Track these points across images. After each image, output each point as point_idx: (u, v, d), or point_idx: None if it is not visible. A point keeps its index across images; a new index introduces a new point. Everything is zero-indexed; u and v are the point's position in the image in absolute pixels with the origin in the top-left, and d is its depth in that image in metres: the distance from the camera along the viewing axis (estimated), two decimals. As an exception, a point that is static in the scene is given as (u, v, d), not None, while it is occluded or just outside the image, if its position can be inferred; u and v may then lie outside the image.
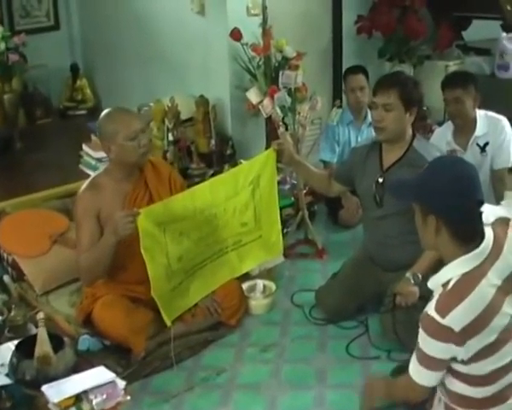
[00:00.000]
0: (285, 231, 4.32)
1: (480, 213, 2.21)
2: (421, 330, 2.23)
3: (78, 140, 4.89)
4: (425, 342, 2.23)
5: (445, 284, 2.20)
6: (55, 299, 3.75)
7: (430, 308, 2.19)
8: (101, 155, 4.42)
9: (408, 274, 3.17)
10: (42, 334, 3.03)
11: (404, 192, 2.36)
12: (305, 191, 4.44)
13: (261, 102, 4.18)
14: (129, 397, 2.79)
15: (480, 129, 4.05)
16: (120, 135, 3.21)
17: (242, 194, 3.49)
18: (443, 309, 2.16)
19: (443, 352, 2.21)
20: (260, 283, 3.81)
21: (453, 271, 2.19)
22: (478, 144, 4.07)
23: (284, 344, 3.41)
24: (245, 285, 3.76)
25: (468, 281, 2.16)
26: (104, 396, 2.75)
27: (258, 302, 3.70)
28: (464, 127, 4.05)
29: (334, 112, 4.22)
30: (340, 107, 4.53)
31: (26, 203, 4.17)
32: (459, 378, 2.31)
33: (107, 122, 3.25)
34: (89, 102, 6.25)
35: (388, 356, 3.24)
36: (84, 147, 4.68)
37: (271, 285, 3.80)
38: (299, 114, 4.13)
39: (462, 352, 2.19)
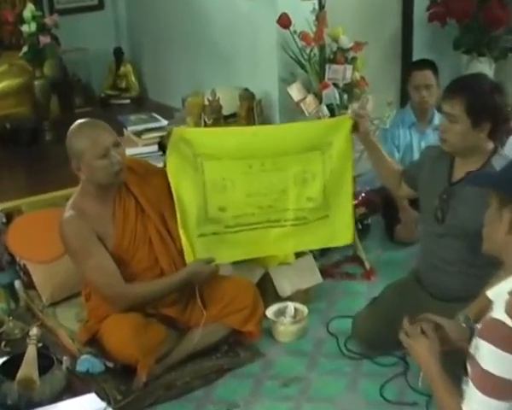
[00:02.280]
0: (331, 245, 4.20)
1: None
2: (484, 344, 1.99)
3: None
4: (492, 358, 1.96)
5: None
6: (62, 312, 3.78)
7: (497, 313, 1.99)
8: (131, 151, 4.38)
9: (460, 315, 2.83)
10: (29, 354, 3.01)
11: (481, 179, 2.30)
12: (356, 201, 4.32)
13: (304, 99, 4.11)
14: (117, 432, 2.75)
15: None
16: (88, 154, 3.13)
17: (306, 158, 3.45)
18: None
19: None
20: (291, 306, 3.71)
21: None
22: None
23: (310, 379, 3.33)
24: (273, 308, 3.69)
25: None
26: (88, 430, 2.72)
27: (286, 328, 3.62)
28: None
29: (386, 113, 4.13)
30: (396, 106, 4.48)
31: (43, 202, 4.13)
32: None
33: (72, 138, 3.17)
34: (133, 91, 6.23)
35: (427, 405, 3.03)
36: (116, 141, 4.64)
37: (304, 309, 3.70)
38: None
39: None
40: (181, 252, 3.38)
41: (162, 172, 3.48)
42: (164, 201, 3.41)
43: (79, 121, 3.23)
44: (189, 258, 3.32)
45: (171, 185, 3.32)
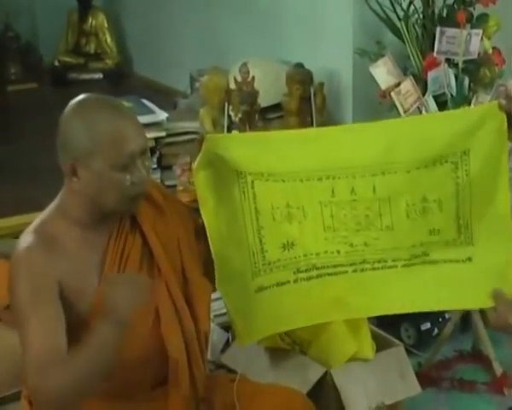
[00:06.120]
0: (434, 332, 4.33)
1: None
2: None
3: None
4: None
5: None
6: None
7: None
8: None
9: None
10: None
11: None
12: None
13: (397, 85, 4.13)
14: None
15: None
16: (101, 157, 2.88)
17: (426, 177, 3.31)
18: None
19: None
20: (369, 433, 3.54)
21: None
22: None
23: None
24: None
25: None
26: None
27: None
28: None
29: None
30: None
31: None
32: None
33: (76, 124, 2.91)
34: (108, 60, 6.21)
35: None
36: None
37: (389, 442, 3.54)
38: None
39: None
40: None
41: (189, 210, 3.40)
42: (186, 250, 3.25)
43: (89, 96, 2.97)
44: (245, 339, 3.32)
45: (205, 220, 3.26)
